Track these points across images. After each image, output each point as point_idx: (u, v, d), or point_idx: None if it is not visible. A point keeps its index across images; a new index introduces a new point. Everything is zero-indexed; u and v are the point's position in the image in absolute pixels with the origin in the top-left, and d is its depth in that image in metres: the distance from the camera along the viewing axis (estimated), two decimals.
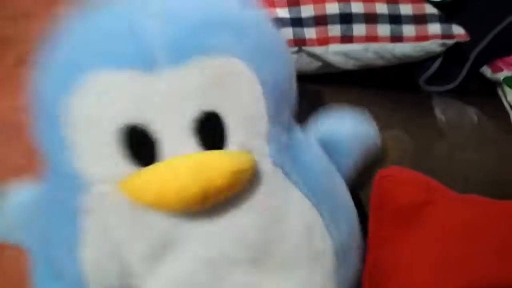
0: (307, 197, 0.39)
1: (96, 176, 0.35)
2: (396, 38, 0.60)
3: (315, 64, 0.61)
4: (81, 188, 0.35)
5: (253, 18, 0.39)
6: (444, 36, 0.60)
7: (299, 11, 0.58)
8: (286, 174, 0.38)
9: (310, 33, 0.58)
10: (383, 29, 0.60)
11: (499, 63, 0.68)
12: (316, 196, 0.39)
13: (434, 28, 0.60)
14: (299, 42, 0.58)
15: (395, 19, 0.60)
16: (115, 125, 0.33)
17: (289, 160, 0.39)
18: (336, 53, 0.60)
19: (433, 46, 0.60)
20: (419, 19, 0.60)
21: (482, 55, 0.67)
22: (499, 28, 0.65)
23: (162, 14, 0.34)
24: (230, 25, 0.36)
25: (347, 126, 0.48)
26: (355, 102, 0.61)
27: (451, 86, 0.68)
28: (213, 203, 0.34)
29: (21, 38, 1.62)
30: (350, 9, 0.59)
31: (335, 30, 0.58)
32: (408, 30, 0.60)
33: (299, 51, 0.59)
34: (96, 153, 0.35)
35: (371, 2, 0.59)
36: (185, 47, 0.34)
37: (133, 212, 0.35)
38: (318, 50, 0.59)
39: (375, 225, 0.49)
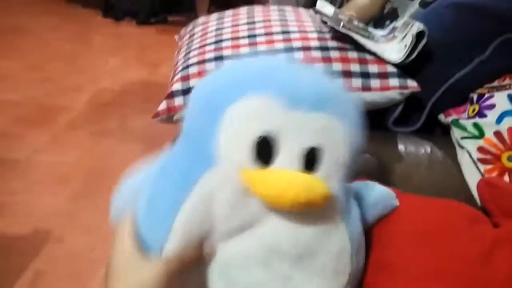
0: (347, 231, 0.49)
1: (227, 160, 0.44)
2: (366, 88, 0.80)
3: None
4: (210, 166, 0.45)
5: (351, 97, 0.52)
6: (402, 87, 0.79)
7: None
8: (341, 209, 0.49)
9: None
10: (356, 82, 0.80)
11: (450, 111, 0.86)
12: (351, 233, 0.50)
13: (394, 81, 0.80)
14: None
15: (365, 75, 0.80)
16: (256, 133, 0.44)
17: (344, 202, 0.50)
18: None
19: (394, 94, 0.80)
20: (383, 75, 0.80)
21: (437, 105, 0.85)
22: (447, 84, 0.84)
23: (315, 77, 0.50)
24: (340, 101, 0.49)
25: (376, 192, 0.61)
26: None
27: (413, 128, 0.86)
28: (301, 211, 0.45)
29: (72, 107, 1.91)
30: (332, 67, 0.80)
31: None
32: (374, 83, 0.80)
33: None
34: (236, 145, 0.44)
35: (347, 63, 0.81)
36: (323, 103, 0.47)
37: (240, 196, 0.44)
38: None
39: None
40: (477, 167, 0.77)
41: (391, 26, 1.02)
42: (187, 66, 0.81)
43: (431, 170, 0.75)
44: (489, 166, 0.76)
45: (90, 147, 1.69)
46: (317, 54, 0.80)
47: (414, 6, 1.21)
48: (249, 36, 0.84)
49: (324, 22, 0.88)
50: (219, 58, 0.81)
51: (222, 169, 0.45)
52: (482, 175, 0.76)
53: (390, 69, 0.81)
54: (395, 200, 0.63)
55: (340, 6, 1.38)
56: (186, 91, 0.79)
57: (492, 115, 0.78)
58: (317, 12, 0.97)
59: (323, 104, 0.46)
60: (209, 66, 0.80)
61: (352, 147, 0.49)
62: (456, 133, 0.81)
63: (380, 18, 1.34)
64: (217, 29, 0.88)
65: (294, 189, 0.43)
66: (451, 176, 0.75)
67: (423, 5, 1.19)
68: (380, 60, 0.81)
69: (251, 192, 0.44)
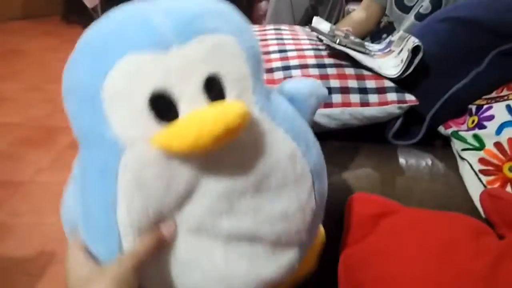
0: (288, 134, 0.47)
1: (132, 137, 0.41)
2: (365, 103, 0.81)
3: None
4: (120, 151, 0.41)
5: (231, 9, 0.48)
6: (400, 101, 0.80)
7: None
8: (270, 117, 0.47)
9: None
10: (354, 98, 0.80)
11: (450, 123, 0.87)
12: (293, 132, 0.48)
13: (392, 96, 0.80)
14: None
15: (363, 91, 0.81)
16: (145, 95, 0.40)
17: (270, 107, 0.48)
18: (322, 115, 0.81)
19: (392, 109, 0.80)
20: (381, 90, 0.81)
21: (436, 117, 0.86)
22: (445, 96, 0.84)
23: (168, 9, 0.43)
24: (218, 14, 0.45)
25: (304, 83, 0.59)
26: (338, 151, 0.82)
27: (413, 141, 0.86)
28: (228, 142, 0.41)
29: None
30: (329, 84, 0.81)
31: None
32: (373, 98, 0.81)
33: None
34: (131, 119, 0.41)
35: (345, 79, 0.81)
36: (188, 30, 0.42)
37: (164, 163, 0.41)
38: None
39: (346, 231, 0.67)
40: (479, 179, 0.77)
41: (387, 39, 1.03)
42: None
43: (433, 182, 0.75)
44: (491, 177, 0.76)
45: None
46: (315, 71, 0.81)
47: (410, 19, 1.23)
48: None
49: (320, 40, 0.89)
50: None
51: (133, 149, 0.41)
52: (485, 186, 0.76)
53: (388, 84, 0.81)
54: (324, 88, 0.62)
55: (335, 22, 1.40)
56: None
57: (491, 126, 0.78)
58: (313, 29, 0.99)
59: (191, 29, 0.42)
60: None
61: (248, 55, 0.45)
62: (456, 145, 0.81)
63: (377, 32, 1.36)
64: None
65: (208, 123, 0.39)
66: (453, 188, 0.75)
67: (418, 17, 1.20)
68: (377, 75, 0.82)
69: (172, 157, 0.41)
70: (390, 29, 1.30)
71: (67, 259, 0.46)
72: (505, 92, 0.82)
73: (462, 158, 0.80)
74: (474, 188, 0.77)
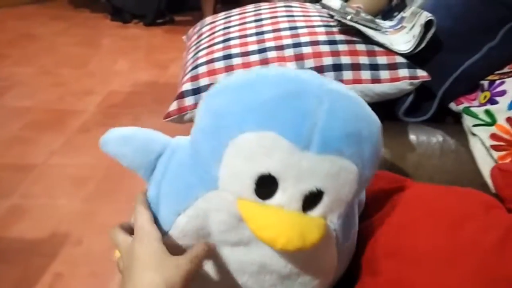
0: (338, 252, 0.53)
1: (228, 187, 0.46)
2: (376, 80, 0.80)
3: None
4: (212, 187, 0.46)
5: (373, 137, 0.48)
6: (412, 77, 0.79)
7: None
8: (337, 240, 0.52)
9: None
10: (366, 74, 0.80)
11: (461, 99, 0.86)
12: (342, 249, 0.54)
13: (403, 72, 0.80)
14: None
15: (374, 67, 0.81)
16: (263, 169, 0.44)
17: (341, 231, 0.52)
18: None
19: (404, 85, 0.79)
20: (392, 66, 0.80)
21: (447, 93, 0.85)
22: (457, 72, 0.83)
23: (331, 112, 0.44)
24: (360, 140, 0.46)
25: None
26: None
27: (424, 117, 0.86)
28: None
29: (84, 110, 1.94)
30: (340, 61, 0.80)
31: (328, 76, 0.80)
32: (384, 74, 0.80)
33: None
34: (236, 178, 0.45)
35: (356, 56, 0.81)
36: (333, 146, 0.44)
37: (235, 221, 0.47)
38: None
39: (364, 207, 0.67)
40: (490, 154, 0.76)
41: (399, 16, 1.02)
42: (196, 66, 0.82)
43: (444, 159, 0.75)
44: (502, 153, 0.76)
45: None
46: (326, 48, 0.80)
47: None
48: (257, 34, 0.84)
49: (331, 16, 0.88)
50: (227, 57, 0.81)
51: (222, 195, 0.46)
52: (496, 162, 0.76)
53: (399, 59, 0.81)
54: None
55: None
56: (196, 91, 0.80)
57: (503, 102, 0.78)
58: (323, 6, 0.98)
59: (336, 145, 0.44)
60: (218, 64, 0.81)
61: (360, 185, 0.48)
62: (467, 121, 0.81)
63: (389, 10, 1.34)
64: (224, 28, 0.89)
65: (286, 235, 0.43)
66: (464, 164, 0.75)
67: None
68: (389, 51, 0.81)
69: (242, 222, 0.46)
70: (402, 7, 1.28)
71: (138, 230, 0.48)
72: None
73: (473, 134, 0.79)
74: (485, 164, 0.76)
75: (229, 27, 0.89)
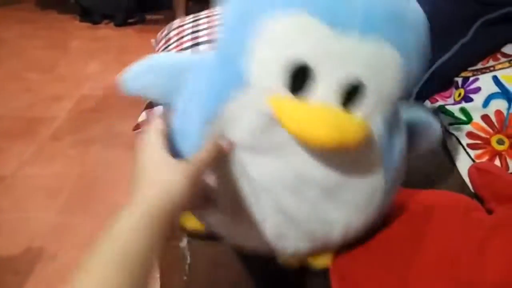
0: (384, 172, 0.46)
1: (257, 83, 0.40)
2: None
3: None
4: (240, 86, 0.41)
5: (419, 26, 0.43)
6: None
7: None
8: (381, 149, 0.45)
9: None
10: None
11: (436, 96, 0.85)
12: (389, 172, 0.47)
13: None
14: None
15: None
16: (292, 58, 0.39)
17: (386, 139, 0.45)
18: None
19: None
20: None
21: (422, 92, 0.84)
22: (431, 70, 0.82)
23: None
24: (405, 27, 0.40)
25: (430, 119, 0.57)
26: None
27: None
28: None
29: (54, 116, 1.88)
30: None
31: None
32: None
33: None
34: (266, 69, 0.40)
35: None
36: (374, 27, 0.38)
37: (266, 123, 0.42)
38: None
39: None
40: (467, 153, 0.76)
41: None
42: None
43: (421, 159, 0.73)
44: (479, 151, 0.75)
45: (77, 157, 1.66)
46: None
47: None
48: None
49: None
50: None
51: (251, 92, 0.41)
52: (473, 160, 0.75)
53: None
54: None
55: None
56: None
57: (478, 99, 0.77)
58: None
59: (376, 28, 0.38)
60: None
61: (406, 81, 0.42)
62: (443, 120, 0.80)
63: None
64: (192, 32, 0.86)
65: (325, 128, 0.38)
66: (442, 165, 0.74)
67: None
68: None
69: (275, 120, 0.40)
70: None
71: (144, 139, 0.46)
72: (491, 63, 0.80)
73: (450, 133, 0.79)
74: (463, 163, 0.76)
75: (197, 31, 0.86)
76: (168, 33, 0.94)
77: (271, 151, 0.43)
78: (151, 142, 0.45)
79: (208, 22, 0.88)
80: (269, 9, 0.39)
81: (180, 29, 0.91)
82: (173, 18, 2.68)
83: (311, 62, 0.38)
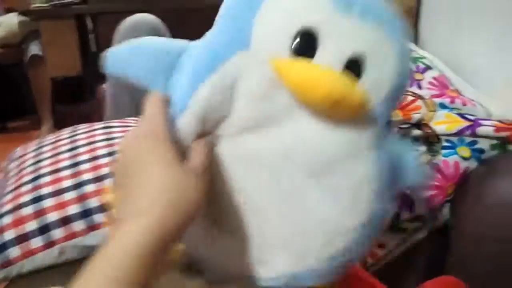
0: (376, 162, 0.43)
1: (261, 45, 0.41)
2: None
3: None
4: (242, 49, 0.41)
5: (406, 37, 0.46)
6: None
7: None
8: (376, 133, 0.44)
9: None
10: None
11: None
12: (381, 168, 0.44)
13: None
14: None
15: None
16: (299, 24, 0.40)
17: (381, 127, 0.45)
18: None
19: None
20: None
21: None
22: None
23: None
24: (395, 14, 0.44)
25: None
26: None
27: None
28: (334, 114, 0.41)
29: None
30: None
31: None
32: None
33: None
34: (271, 33, 0.41)
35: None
36: (374, 13, 0.42)
37: (266, 85, 0.41)
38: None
39: None
40: None
41: None
42: (0, 216, 0.70)
43: None
44: None
45: None
46: None
47: None
48: (71, 166, 0.75)
49: None
50: (37, 200, 0.71)
51: (254, 54, 0.41)
52: None
53: None
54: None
55: None
56: (1, 247, 0.67)
57: None
58: None
59: (375, 15, 0.42)
60: (26, 211, 0.69)
61: (400, 77, 0.44)
62: None
63: None
64: (35, 163, 0.78)
65: (329, 82, 0.39)
66: None
67: None
68: None
69: (279, 84, 0.41)
70: None
71: (143, 120, 0.40)
72: None
73: None
74: None
75: (40, 161, 0.78)
76: (8, 164, 0.85)
77: (260, 125, 0.42)
78: (154, 126, 0.38)
79: (52, 149, 0.81)
80: None
81: (22, 159, 0.82)
82: (39, 122, 2.55)
83: (317, 30, 0.40)
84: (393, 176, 0.45)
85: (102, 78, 1.28)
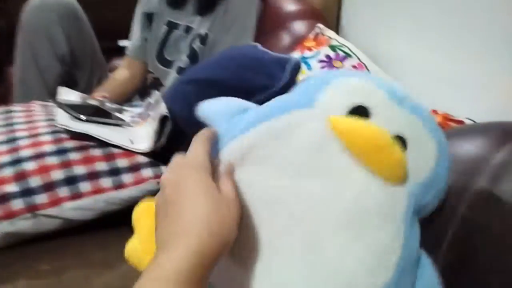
0: (402, 236, 0.44)
1: (323, 106, 0.46)
2: (119, 186, 0.73)
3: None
4: (306, 106, 0.46)
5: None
6: (156, 176, 0.75)
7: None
8: (405, 211, 0.44)
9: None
10: (106, 182, 0.72)
11: None
12: (405, 245, 0.43)
13: (147, 172, 0.75)
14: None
15: (115, 172, 0.73)
16: (357, 101, 0.46)
17: (410, 212, 0.45)
18: (72, 209, 0.70)
19: (150, 186, 0.74)
20: (134, 168, 0.74)
21: None
22: None
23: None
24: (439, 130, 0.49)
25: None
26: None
27: None
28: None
29: None
30: (73, 172, 0.71)
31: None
32: (127, 178, 0.73)
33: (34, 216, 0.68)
34: (334, 101, 0.46)
35: (91, 163, 0.72)
36: (420, 112, 0.47)
37: (323, 133, 0.44)
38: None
39: None
40: None
41: (147, 101, 0.98)
42: None
43: None
44: None
45: None
46: (53, 160, 0.70)
47: (173, 74, 1.22)
48: None
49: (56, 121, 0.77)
50: None
51: (315, 112, 0.46)
52: None
53: (141, 159, 0.76)
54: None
55: (98, 84, 1.28)
56: None
57: None
58: (59, 105, 0.86)
59: (422, 114, 0.48)
60: None
61: (439, 178, 0.47)
62: None
63: (144, 89, 1.32)
64: None
65: (375, 129, 0.44)
66: None
67: (179, 72, 1.20)
68: (128, 152, 0.75)
69: (332, 136, 0.44)
70: (157, 84, 1.27)
71: (189, 155, 0.41)
72: None
73: None
74: None
75: None
76: None
77: (308, 172, 0.44)
78: (198, 162, 0.40)
79: None
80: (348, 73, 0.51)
81: None
82: None
83: (371, 107, 0.46)
84: (411, 272, 0.45)
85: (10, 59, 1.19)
